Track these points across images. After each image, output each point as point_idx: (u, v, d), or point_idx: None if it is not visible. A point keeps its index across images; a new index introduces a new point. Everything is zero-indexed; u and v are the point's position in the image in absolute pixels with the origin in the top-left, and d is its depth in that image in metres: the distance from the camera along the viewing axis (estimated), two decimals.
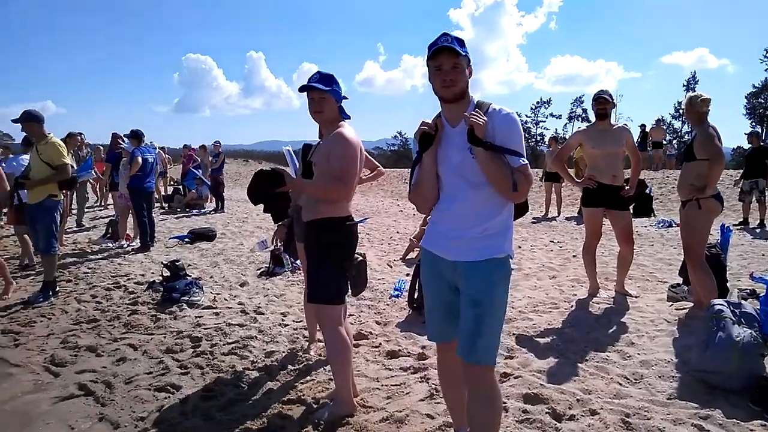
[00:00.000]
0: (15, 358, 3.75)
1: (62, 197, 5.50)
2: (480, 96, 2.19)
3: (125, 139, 8.45)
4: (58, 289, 5.31)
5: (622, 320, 4.21)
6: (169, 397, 3.07)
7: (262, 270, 6.07)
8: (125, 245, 7.85)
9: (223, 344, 3.82)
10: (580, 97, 50.93)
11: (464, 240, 2.14)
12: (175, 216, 11.36)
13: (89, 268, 6.39)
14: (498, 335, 2.13)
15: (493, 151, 2.00)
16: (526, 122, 48.38)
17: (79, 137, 9.30)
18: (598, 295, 4.84)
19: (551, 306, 4.68)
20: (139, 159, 7.31)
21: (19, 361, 3.70)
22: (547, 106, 50.43)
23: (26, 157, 6.75)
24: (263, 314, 4.52)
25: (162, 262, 5.64)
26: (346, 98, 2.84)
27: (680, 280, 4.87)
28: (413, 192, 2.26)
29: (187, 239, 8.05)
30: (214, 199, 12.54)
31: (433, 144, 2.12)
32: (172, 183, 17.30)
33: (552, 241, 7.98)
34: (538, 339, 3.86)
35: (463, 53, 2.00)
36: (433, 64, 2.03)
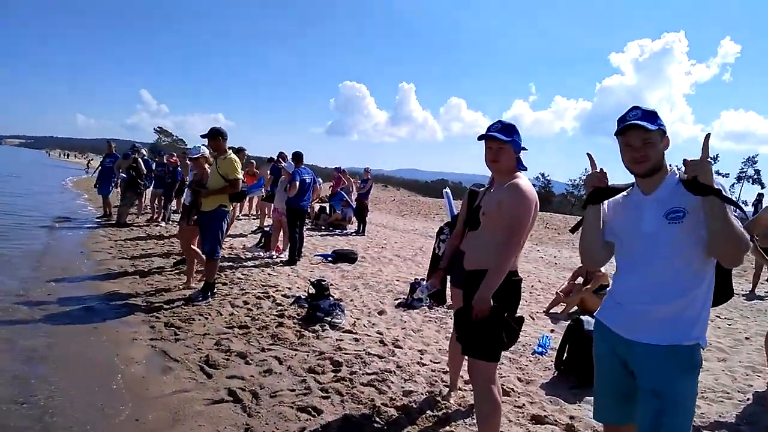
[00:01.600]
0: (174, 353, 4.06)
1: (231, 207, 6.01)
2: None
3: (287, 158, 9.12)
4: (215, 290, 5.77)
5: None
6: (310, 419, 3.07)
7: (400, 301, 6.06)
8: (275, 256, 8.38)
9: (363, 373, 3.79)
10: (753, 157, 45.31)
11: (647, 318, 1.87)
12: (320, 233, 11.95)
13: (243, 275, 6.88)
14: None
15: (724, 201, 1.72)
16: None
17: (244, 153, 10.27)
18: None
19: (723, 395, 4.01)
20: (297, 182, 7.80)
21: (178, 356, 3.99)
22: (713, 162, 45.52)
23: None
24: (401, 348, 4.44)
25: (309, 280, 5.87)
26: (525, 149, 2.70)
27: None
28: (580, 247, 2.14)
29: (330, 258, 8.37)
30: (356, 221, 13.01)
31: (600, 201, 2.03)
32: (320, 201, 18.35)
33: (718, 317, 6.96)
34: None
35: (655, 128, 1.85)
36: (622, 140, 1.92)
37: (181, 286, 6.08)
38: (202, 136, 5.78)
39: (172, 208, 12.35)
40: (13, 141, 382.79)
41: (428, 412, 3.25)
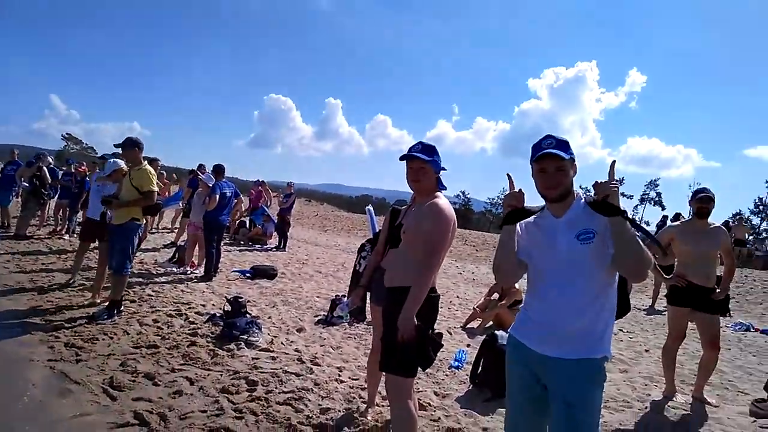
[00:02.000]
0: (75, 375, 3.78)
1: (144, 221, 5.73)
2: None
3: (205, 170, 8.85)
4: (122, 308, 5.44)
5: (701, 431, 3.83)
6: None
7: (319, 317, 6.02)
8: (189, 272, 8.04)
9: (279, 392, 3.73)
10: (655, 180, 49.81)
11: (559, 334, 2.02)
12: (239, 249, 11.62)
13: (153, 291, 6.55)
14: None
15: (628, 222, 1.90)
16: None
17: (157, 163, 9.82)
18: (674, 399, 4.45)
19: (623, 404, 4.33)
20: (217, 196, 7.58)
21: (80, 378, 3.73)
22: (620, 184, 49.38)
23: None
24: (319, 365, 4.41)
25: (225, 297, 5.70)
26: (445, 169, 2.82)
27: (765, 395, 4.42)
28: (494, 264, 2.23)
29: (248, 275, 8.16)
30: (277, 236, 12.79)
31: (516, 221, 2.15)
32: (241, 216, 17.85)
33: (621, 330, 7.52)
34: None
35: (568, 156, 2.00)
36: (537, 166, 2.05)
37: (85, 302, 5.69)
38: (116, 146, 5.50)
39: (78, 219, 11.51)
40: None
41: (345, 429, 3.26)
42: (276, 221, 12.92)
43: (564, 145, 2.02)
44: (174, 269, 8.16)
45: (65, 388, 3.56)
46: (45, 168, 10.65)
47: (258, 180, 15.36)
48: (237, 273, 8.30)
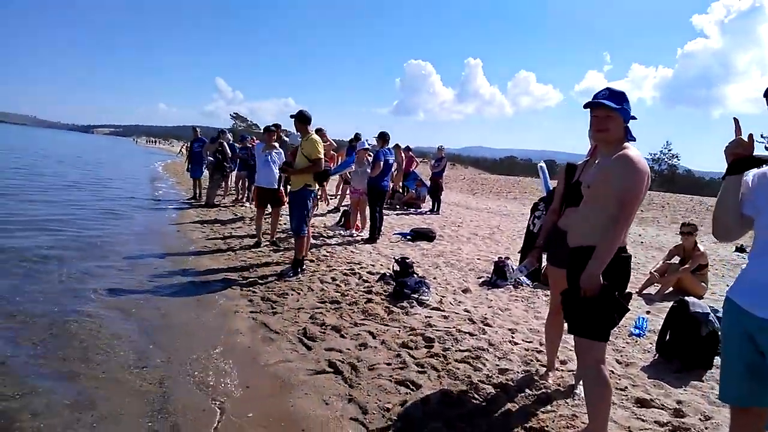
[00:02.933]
0: (274, 325, 4.28)
1: (316, 187, 6.16)
2: (722, 113, 1.77)
3: (365, 139, 9.22)
4: (304, 267, 5.99)
5: None
6: (409, 393, 3.15)
7: (483, 279, 6.02)
8: (354, 234, 8.55)
9: (455, 350, 3.81)
10: None
11: None
12: (395, 213, 12.03)
13: (327, 252, 7.09)
14: None
15: None
16: None
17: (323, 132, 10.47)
18: None
19: None
20: (381, 162, 7.86)
21: (278, 328, 4.21)
22: None
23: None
24: (491, 326, 4.42)
25: (393, 257, 5.96)
26: (635, 118, 2.56)
27: None
28: (714, 216, 2.05)
29: (408, 237, 8.43)
30: (431, 200, 13.00)
31: (743, 171, 1.93)
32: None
33: None
34: None
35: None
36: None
37: (271, 261, 6.37)
38: (291, 116, 5.95)
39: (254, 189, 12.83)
40: (103, 130, 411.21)
41: (527, 390, 3.23)
42: (428, 185, 13.10)
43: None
44: (341, 232, 8.73)
45: (267, 337, 4.05)
46: (225, 143, 11.96)
47: (406, 146, 15.65)
48: (398, 235, 8.61)
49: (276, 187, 7.49)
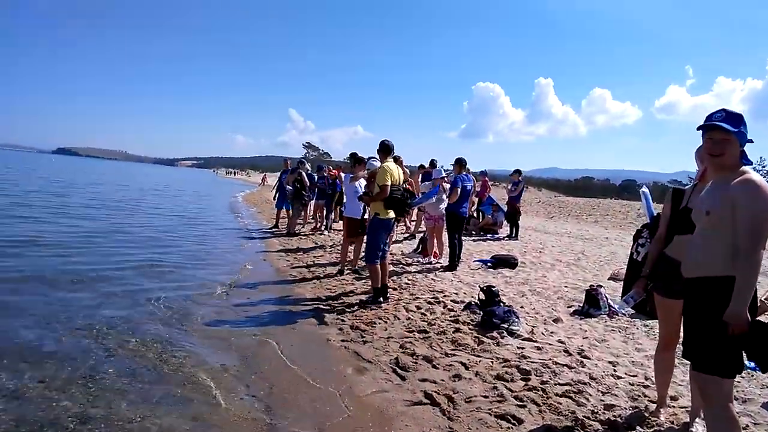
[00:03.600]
0: (366, 354, 4.33)
1: (390, 216, 6.07)
2: None
3: (441, 166, 9.26)
4: (388, 296, 6.01)
5: None
6: (511, 428, 3.07)
7: (574, 308, 5.80)
8: (433, 262, 8.53)
9: (554, 384, 3.68)
10: None
11: None
12: (472, 239, 11.90)
13: (409, 280, 7.12)
14: None
15: None
16: None
17: (400, 160, 10.62)
18: None
19: None
20: (458, 189, 7.85)
21: (370, 358, 4.25)
22: None
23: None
24: (589, 359, 4.23)
25: (479, 286, 5.89)
26: (751, 141, 2.42)
27: None
28: None
29: (489, 264, 8.30)
30: (508, 226, 12.76)
31: None
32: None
33: None
34: None
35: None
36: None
37: (355, 290, 6.47)
38: (378, 151, 6.09)
39: (332, 217, 13.16)
40: (186, 162, 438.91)
41: (638, 428, 3.06)
42: (505, 210, 12.89)
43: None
44: (419, 259, 8.74)
45: (361, 366, 4.09)
46: (304, 173, 12.40)
47: (483, 171, 15.53)
48: (478, 263, 8.50)
49: (363, 216, 7.61)
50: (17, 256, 7.38)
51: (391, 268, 7.62)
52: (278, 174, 14.80)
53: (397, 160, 8.90)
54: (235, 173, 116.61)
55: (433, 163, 11.39)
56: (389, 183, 5.87)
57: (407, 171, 11.28)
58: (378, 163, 6.40)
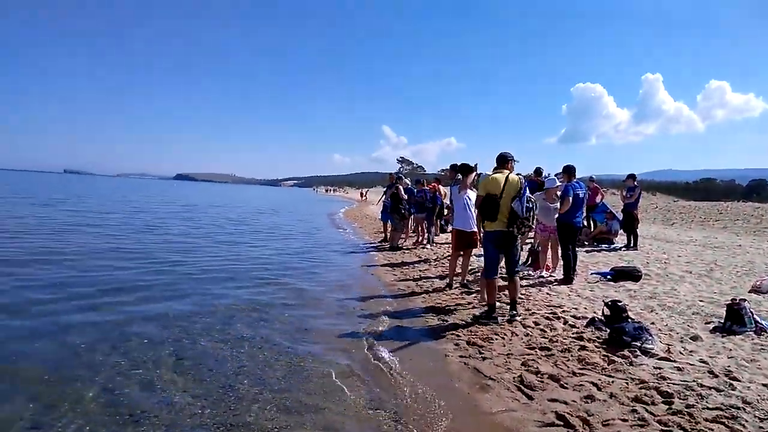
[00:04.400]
0: (487, 371, 4.22)
1: (495, 228, 5.68)
2: None
3: (547, 173, 8.90)
4: (515, 313, 5.72)
5: None
6: None
7: (714, 325, 5.26)
8: (546, 275, 8.18)
9: (702, 408, 3.34)
10: None
11: None
12: (584, 249, 11.28)
13: (522, 294, 6.86)
14: None
15: None
16: None
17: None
18: None
19: None
20: (570, 198, 7.49)
21: (492, 375, 4.14)
22: None
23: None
24: (739, 381, 3.79)
25: (602, 301, 5.55)
26: None
27: None
28: None
29: (608, 276, 7.80)
30: (625, 234, 11.96)
31: None
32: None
33: None
34: None
35: None
36: None
37: (466, 304, 6.38)
38: (505, 156, 5.91)
39: (434, 231, 13.11)
40: (288, 182, 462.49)
41: None
42: (620, 218, 12.10)
43: None
44: (530, 273, 8.42)
45: (483, 384, 4.00)
46: (401, 188, 12.53)
47: (590, 177, 14.74)
48: (596, 275, 8.02)
49: (472, 229, 7.48)
50: (168, 272, 8.12)
51: (501, 283, 7.42)
52: (382, 188, 15.13)
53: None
54: (333, 190, 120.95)
55: (538, 171, 11.01)
56: (482, 193, 5.70)
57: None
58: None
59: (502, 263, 5.94)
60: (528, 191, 5.58)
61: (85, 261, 8.74)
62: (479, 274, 7.33)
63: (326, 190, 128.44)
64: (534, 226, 5.98)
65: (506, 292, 6.59)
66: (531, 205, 5.56)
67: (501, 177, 5.60)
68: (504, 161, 5.80)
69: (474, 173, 7.57)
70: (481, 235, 6.17)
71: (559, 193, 7.86)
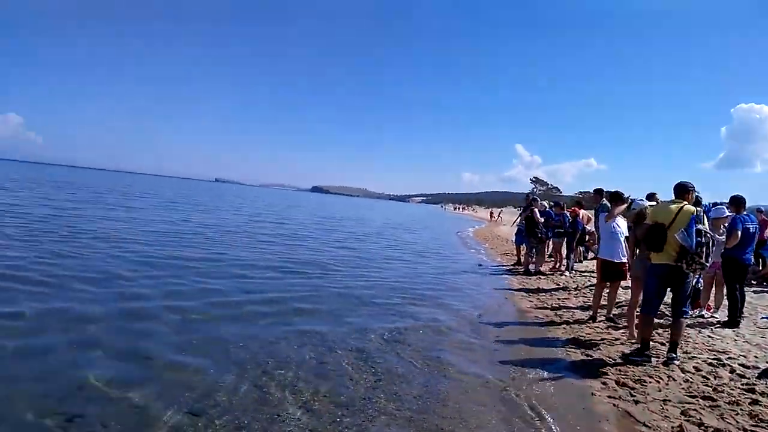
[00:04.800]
0: (640, 417, 3.91)
1: (662, 261, 5.27)
2: None
3: (707, 202, 8.04)
4: (675, 355, 5.26)
5: None
6: None
7: None
8: (706, 315, 7.39)
9: None
10: None
11: None
12: (753, 290, 9.98)
13: None
14: None
15: None
16: None
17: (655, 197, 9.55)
18: None
19: None
20: (738, 231, 6.72)
21: (646, 421, 3.83)
22: None
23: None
24: None
25: None
26: None
27: None
28: None
29: None
30: None
31: None
32: None
33: None
34: None
35: None
36: None
37: (612, 340, 5.99)
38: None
39: (573, 257, 12.46)
40: (416, 198, 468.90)
41: None
42: None
43: None
44: (687, 311, 7.64)
45: (636, 430, 3.74)
46: (536, 210, 12.10)
47: (758, 207, 13.01)
48: (767, 319, 7.08)
49: (621, 260, 7.04)
50: (303, 278, 8.77)
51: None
52: (514, 208, 14.85)
53: (653, 197, 8.06)
54: (462, 208, 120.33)
55: (698, 201, 9.99)
56: (650, 222, 5.32)
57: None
58: (645, 202, 5.89)
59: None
60: (697, 223, 5.04)
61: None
62: (626, 308, 6.86)
63: (455, 208, 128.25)
64: (708, 265, 5.32)
65: (659, 330, 6.09)
66: (703, 239, 5.02)
67: (675, 207, 5.18)
68: (684, 191, 5.32)
69: (624, 205, 7.10)
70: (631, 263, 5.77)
71: (726, 224, 7.09)
